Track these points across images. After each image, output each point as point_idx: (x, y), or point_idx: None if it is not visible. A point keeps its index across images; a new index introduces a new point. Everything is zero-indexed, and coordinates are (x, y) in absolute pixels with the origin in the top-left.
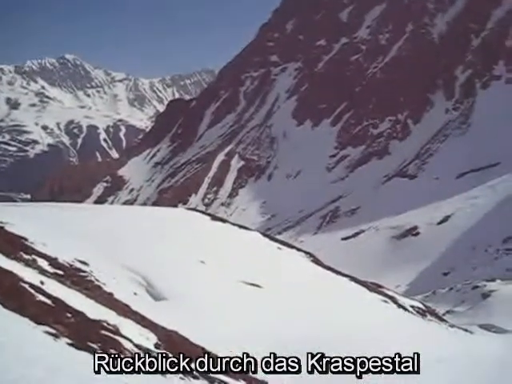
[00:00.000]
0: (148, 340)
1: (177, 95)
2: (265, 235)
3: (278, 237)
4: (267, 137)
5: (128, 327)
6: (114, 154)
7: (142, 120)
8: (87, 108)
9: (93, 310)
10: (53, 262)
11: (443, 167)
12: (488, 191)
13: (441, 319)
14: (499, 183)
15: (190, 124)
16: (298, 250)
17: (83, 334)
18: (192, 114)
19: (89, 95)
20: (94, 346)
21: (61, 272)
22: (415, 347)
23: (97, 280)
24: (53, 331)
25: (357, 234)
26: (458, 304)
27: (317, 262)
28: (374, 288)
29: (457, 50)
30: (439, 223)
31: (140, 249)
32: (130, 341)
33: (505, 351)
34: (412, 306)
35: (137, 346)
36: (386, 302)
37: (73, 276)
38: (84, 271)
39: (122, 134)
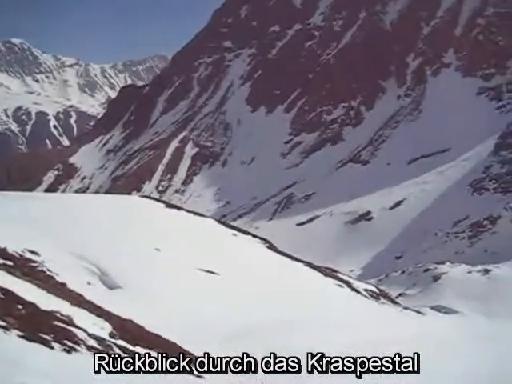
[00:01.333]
0: (102, 329)
1: (129, 81)
2: (220, 222)
3: (233, 223)
4: (221, 123)
5: (82, 317)
6: (65, 142)
7: (94, 106)
8: (36, 94)
9: (45, 300)
10: (1, 252)
11: (395, 153)
12: (438, 177)
13: (393, 302)
14: (449, 169)
15: (142, 110)
16: (254, 236)
17: (35, 325)
18: (145, 100)
19: (37, 81)
20: (47, 337)
21: (10, 263)
22: (369, 330)
23: (49, 270)
24: (3, 324)
25: (311, 219)
26: (410, 287)
27: (272, 247)
28: (329, 273)
29: (408, 38)
30: (391, 208)
31: (93, 237)
32: (84, 331)
33: (454, 331)
34: (366, 290)
35: (91, 335)
36: (340, 286)
37: (23, 266)
38: (35, 261)
39: (72, 121)
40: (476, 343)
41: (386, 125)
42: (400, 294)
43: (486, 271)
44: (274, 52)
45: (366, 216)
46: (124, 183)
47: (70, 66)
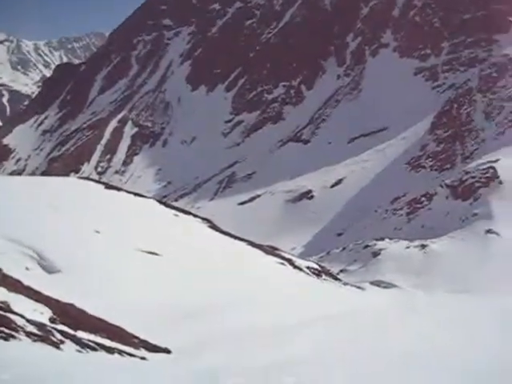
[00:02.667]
0: (42, 315)
1: (65, 59)
2: (161, 202)
3: (175, 204)
4: (161, 102)
5: (20, 303)
6: None
7: (28, 85)
8: None
9: None
10: None
11: (335, 132)
12: (377, 155)
13: (335, 278)
14: (387, 147)
15: (79, 89)
16: (195, 216)
17: None
18: (82, 79)
19: None
20: None
21: None
22: (311, 306)
23: None
24: None
25: (253, 198)
26: (350, 263)
27: (214, 227)
28: (271, 251)
29: (347, 18)
30: (332, 186)
31: (30, 221)
32: (23, 317)
33: (392, 304)
34: (308, 267)
35: (30, 321)
36: (282, 264)
37: None
38: None
39: (5, 100)
40: (412, 316)
41: (326, 104)
42: (341, 271)
43: (423, 246)
44: (214, 30)
45: (307, 194)
46: (61, 165)
47: (1, 42)
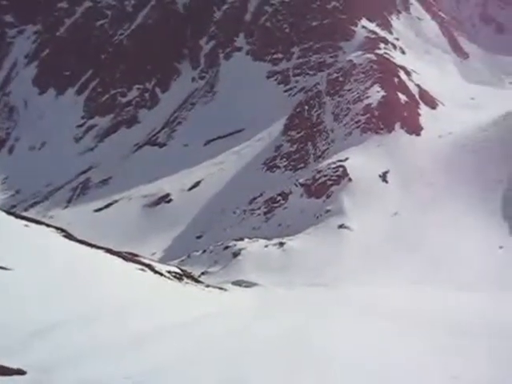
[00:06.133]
0: None
1: None
2: (9, 213)
3: (25, 214)
4: (6, 106)
5: None
6: None
7: None
8: None
9: None
10: None
11: (192, 134)
12: (234, 156)
13: (197, 281)
14: (244, 148)
15: None
16: (48, 225)
17: None
18: None
19: None
20: None
21: None
22: (173, 311)
23: None
24: None
25: (109, 204)
26: (211, 265)
27: (69, 236)
28: (130, 258)
29: (201, 21)
30: (190, 189)
31: None
32: None
33: (254, 302)
34: (169, 272)
35: None
36: (142, 270)
37: None
38: None
39: None
40: (274, 312)
41: (182, 107)
42: (203, 273)
43: (281, 244)
44: (62, 30)
45: (165, 198)
46: None
47: None
